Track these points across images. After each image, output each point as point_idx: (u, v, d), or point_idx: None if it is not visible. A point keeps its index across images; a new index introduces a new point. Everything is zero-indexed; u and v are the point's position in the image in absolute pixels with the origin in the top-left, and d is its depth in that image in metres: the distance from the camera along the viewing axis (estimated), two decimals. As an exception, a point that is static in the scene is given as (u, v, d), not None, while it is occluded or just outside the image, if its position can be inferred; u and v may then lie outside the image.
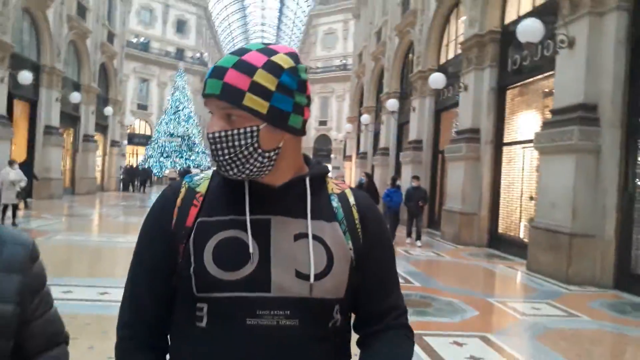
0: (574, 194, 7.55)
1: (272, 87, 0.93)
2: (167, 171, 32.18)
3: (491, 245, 11.21)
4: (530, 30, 8.23)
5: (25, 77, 15.67)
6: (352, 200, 1.05)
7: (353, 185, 9.29)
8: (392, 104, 17.19)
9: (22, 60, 16.74)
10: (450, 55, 14.71)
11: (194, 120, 33.17)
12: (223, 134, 0.93)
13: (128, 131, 34.03)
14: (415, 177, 12.17)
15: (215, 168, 1.05)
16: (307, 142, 43.89)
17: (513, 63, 10.72)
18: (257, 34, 68.90)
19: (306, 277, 0.94)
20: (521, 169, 10.66)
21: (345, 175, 26.89)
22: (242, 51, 0.96)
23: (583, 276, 7.39)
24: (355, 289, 1.02)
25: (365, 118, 22.14)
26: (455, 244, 11.47)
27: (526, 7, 10.61)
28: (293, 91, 0.95)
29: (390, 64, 19.76)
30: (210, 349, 0.94)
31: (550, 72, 8.91)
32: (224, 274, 0.93)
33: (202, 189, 1.03)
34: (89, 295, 5.52)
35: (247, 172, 0.95)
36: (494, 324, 5.47)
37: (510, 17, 11.28)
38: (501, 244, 10.89)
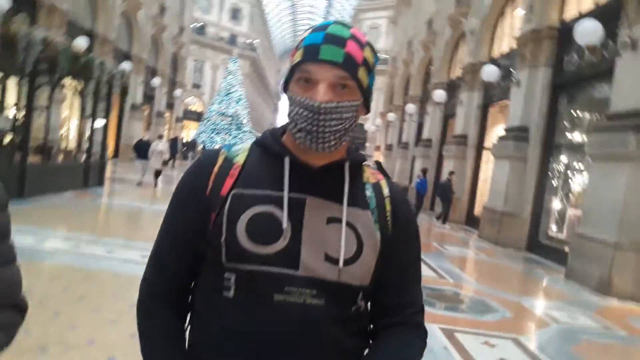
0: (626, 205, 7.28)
1: (372, 67, 0.97)
2: (216, 146, 34.08)
3: (530, 249, 10.94)
4: (590, 32, 7.88)
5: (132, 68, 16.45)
6: (386, 192, 1.06)
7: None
8: (439, 94, 16.87)
9: (118, 51, 20.98)
10: (505, 49, 14.28)
11: (244, 102, 35.05)
12: (334, 104, 0.93)
13: (183, 108, 36.65)
14: (451, 172, 13.83)
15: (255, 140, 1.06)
16: (345, 129, 44.45)
17: (570, 62, 10.32)
18: (304, 25, 69.02)
19: (335, 261, 0.95)
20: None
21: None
22: (344, 24, 0.97)
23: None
24: (378, 279, 1.03)
25: (411, 107, 21.84)
26: (492, 244, 11.26)
27: (587, 5, 10.16)
28: (374, 76, 1.01)
29: (440, 53, 19.39)
30: (236, 319, 0.94)
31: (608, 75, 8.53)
32: (256, 247, 0.94)
33: (240, 160, 1.03)
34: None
35: (339, 145, 0.97)
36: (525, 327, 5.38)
37: (570, 13, 10.84)
38: (542, 248, 10.61)
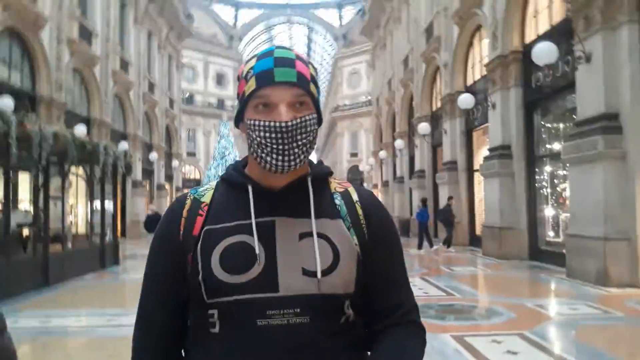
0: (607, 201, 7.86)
1: (316, 81, 1.04)
2: None
3: (533, 257, 11.42)
4: (545, 53, 8.71)
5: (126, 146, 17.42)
6: (355, 197, 1.08)
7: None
8: (423, 127, 17.70)
9: (115, 132, 21.90)
10: (477, 77, 15.20)
11: (239, 163, 36.92)
12: (298, 121, 0.97)
13: (181, 177, 38.17)
14: (450, 197, 14.42)
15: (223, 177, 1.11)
16: (341, 174, 45.27)
17: (537, 80, 11.14)
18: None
19: (313, 274, 0.96)
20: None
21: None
22: (285, 47, 1.04)
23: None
24: (364, 285, 1.04)
25: (399, 143, 22.70)
26: (497, 259, 11.74)
27: (544, 27, 11.08)
28: (319, 88, 1.07)
29: (419, 89, 20.39)
30: (224, 353, 0.95)
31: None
32: (232, 278, 0.95)
33: (207, 199, 1.06)
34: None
35: (305, 158, 1.01)
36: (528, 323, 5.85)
37: (530, 37, 11.76)
38: (543, 255, 11.10)
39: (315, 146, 1.04)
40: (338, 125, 48.00)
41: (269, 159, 0.97)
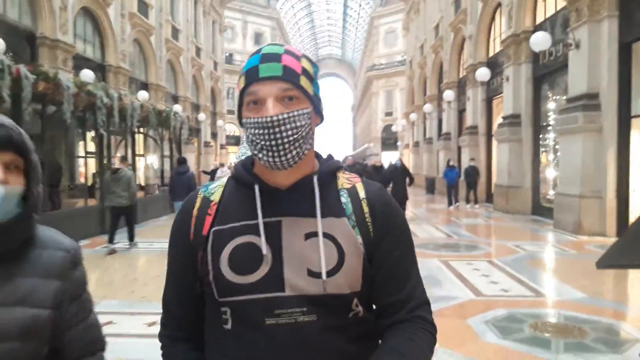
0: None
1: (312, 75, 1.04)
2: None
3: (535, 212, 13.27)
4: (541, 41, 10.38)
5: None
6: (362, 194, 1.07)
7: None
8: (449, 94, 19.37)
9: (168, 94, 24.24)
10: (497, 49, 16.63)
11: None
12: (285, 115, 0.96)
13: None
14: (472, 159, 16.10)
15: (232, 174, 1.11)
16: (375, 132, 46.60)
17: (543, 58, 12.67)
18: (324, 38, 72.47)
19: (317, 275, 0.97)
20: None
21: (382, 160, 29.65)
22: (276, 44, 1.04)
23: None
24: (372, 282, 1.04)
25: (428, 107, 24.35)
26: (504, 213, 13.64)
27: (551, 11, 12.53)
28: (318, 83, 1.07)
29: (448, 56, 21.85)
30: (237, 349, 0.99)
31: None
32: (240, 278, 0.98)
33: (216, 197, 1.08)
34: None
35: (300, 155, 1.00)
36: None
37: (540, 18, 13.20)
38: (544, 210, 12.91)
39: (312, 141, 1.04)
40: (373, 84, 48.31)
41: (261, 155, 0.98)
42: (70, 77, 9.11)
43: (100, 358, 1.12)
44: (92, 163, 12.99)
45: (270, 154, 0.97)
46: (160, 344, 1.12)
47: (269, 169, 1.00)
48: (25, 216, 1.03)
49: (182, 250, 1.07)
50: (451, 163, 16.65)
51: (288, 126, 0.96)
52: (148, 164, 12.49)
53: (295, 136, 0.97)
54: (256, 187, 1.03)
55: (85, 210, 10.14)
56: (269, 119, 0.95)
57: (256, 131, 0.97)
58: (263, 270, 0.98)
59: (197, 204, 1.08)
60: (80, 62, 15.24)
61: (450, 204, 16.04)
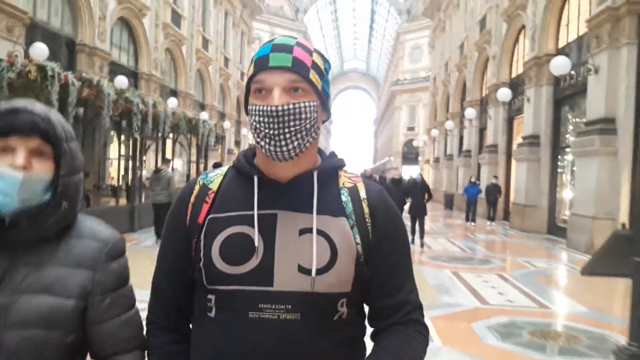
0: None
1: (323, 70, 1.04)
2: None
3: (550, 232, 13.44)
4: (562, 66, 10.71)
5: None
6: (363, 194, 1.07)
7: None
8: (470, 112, 19.65)
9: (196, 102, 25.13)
10: (520, 70, 16.91)
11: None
12: (291, 106, 0.97)
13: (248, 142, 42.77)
14: (494, 177, 16.39)
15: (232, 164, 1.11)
16: (397, 146, 46.91)
17: (564, 81, 12.92)
18: (350, 51, 73.51)
19: (308, 272, 0.97)
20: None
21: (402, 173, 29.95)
22: (289, 37, 1.05)
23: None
24: (366, 284, 1.04)
25: (450, 124, 24.62)
26: (520, 231, 13.83)
27: (573, 36, 12.80)
28: (329, 80, 1.07)
29: (471, 74, 22.17)
30: (218, 337, 1.00)
31: None
32: (230, 268, 0.98)
33: (215, 185, 1.08)
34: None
35: (302, 147, 0.99)
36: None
37: (562, 42, 13.47)
38: (559, 230, 13.07)
39: (316, 135, 1.03)
40: (397, 98, 48.59)
41: (262, 143, 0.98)
42: (109, 84, 9.72)
43: (137, 356, 1.08)
44: (121, 165, 13.66)
45: (272, 142, 0.97)
46: (145, 329, 1.12)
47: (269, 158, 1.00)
48: (54, 204, 1.00)
49: (178, 235, 1.07)
50: (473, 179, 17.02)
51: (292, 117, 0.97)
52: (175, 168, 13.10)
53: (299, 127, 0.97)
54: (255, 178, 1.04)
55: (115, 210, 10.72)
56: (273, 108, 0.96)
57: (260, 119, 0.97)
58: (253, 262, 0.98)
59: (195, 191, 1.08)
60: (115, 68, 16.01)
61: (467, 219, 16.31)
